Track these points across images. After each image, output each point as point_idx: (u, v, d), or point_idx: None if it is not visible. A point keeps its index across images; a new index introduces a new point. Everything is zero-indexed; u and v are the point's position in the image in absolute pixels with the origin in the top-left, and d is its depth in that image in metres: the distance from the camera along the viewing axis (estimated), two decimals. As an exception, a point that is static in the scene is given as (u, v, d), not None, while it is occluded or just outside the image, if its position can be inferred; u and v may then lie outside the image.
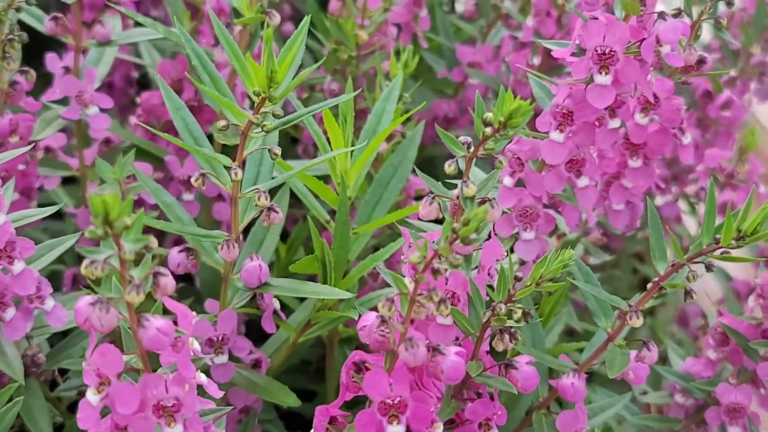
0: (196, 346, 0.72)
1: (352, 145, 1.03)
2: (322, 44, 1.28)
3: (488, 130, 0.74)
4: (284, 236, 1.24)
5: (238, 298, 0.95)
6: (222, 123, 0.80)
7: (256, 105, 0.78)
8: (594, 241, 1.15)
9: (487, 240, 0.84)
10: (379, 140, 1.02)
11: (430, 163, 1.46)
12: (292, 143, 1.37)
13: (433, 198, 0.80)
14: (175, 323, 0.66)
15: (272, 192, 0.91)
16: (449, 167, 0.78)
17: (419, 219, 0.83)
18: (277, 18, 1.01)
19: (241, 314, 1.01)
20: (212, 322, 0.94)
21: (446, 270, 0.70)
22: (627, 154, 1.00)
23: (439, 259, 0.69)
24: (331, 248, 0.96)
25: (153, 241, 0.63)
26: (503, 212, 0.95)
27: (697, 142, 1.35)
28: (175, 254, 0.91)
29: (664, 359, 1.19)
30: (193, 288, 1.25)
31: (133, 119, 1.16)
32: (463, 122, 1.39)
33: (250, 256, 0.91)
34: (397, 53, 1.14)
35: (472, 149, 0.78)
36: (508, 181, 0.94)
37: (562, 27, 1.26)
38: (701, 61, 0.96)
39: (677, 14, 0.95)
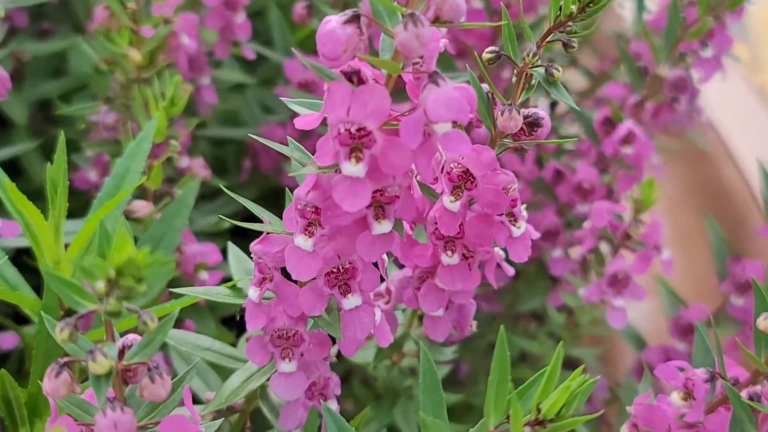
0: None
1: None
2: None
3: (100, 285, 0.46)
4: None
5: None
6: None
7: None
8: (429, 334, 0.87)
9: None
10: (102, 213, 0.74)
11: (274, 196, 1.21)
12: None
13: (63, 366, 0.52)
14: None
15: None
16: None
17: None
18: None
19: None
20: None
21: None
22: (440, 246, 0.72)
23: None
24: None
25: None
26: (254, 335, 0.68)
27: (594, 184, 1.07)
28: None
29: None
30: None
31: None
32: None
33: None
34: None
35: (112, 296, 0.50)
36: (253, 293, 0.67)
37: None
38: (533, 124, 0.67)
39: (495, 58, 0.67)
